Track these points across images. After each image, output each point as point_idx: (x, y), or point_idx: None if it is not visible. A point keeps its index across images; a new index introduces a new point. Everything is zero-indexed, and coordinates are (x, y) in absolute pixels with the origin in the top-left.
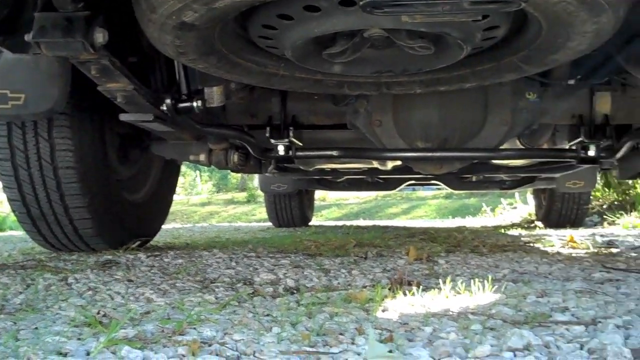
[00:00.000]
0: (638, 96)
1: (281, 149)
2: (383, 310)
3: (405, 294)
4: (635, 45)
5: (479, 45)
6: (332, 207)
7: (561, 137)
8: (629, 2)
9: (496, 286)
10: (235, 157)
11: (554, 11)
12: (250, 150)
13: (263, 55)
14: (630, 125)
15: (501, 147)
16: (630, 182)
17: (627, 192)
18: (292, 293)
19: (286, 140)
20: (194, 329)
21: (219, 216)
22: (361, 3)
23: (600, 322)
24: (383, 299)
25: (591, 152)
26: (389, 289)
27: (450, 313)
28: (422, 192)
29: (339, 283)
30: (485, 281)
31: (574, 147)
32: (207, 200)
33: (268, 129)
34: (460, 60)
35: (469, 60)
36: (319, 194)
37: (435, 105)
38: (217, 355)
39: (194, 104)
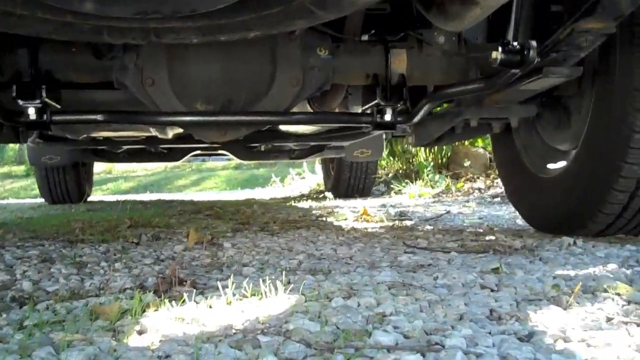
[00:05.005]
0: (434, 54)
1: (32, 112)
2: (140, 333)
3: (174, 302)
4: None
5: None
6: (119, 179)
7: (354, 101)
8: None
9: (292, 284)
10: None
11: None
12: None
13: None
14: (425, 87)
15: (292, 111)
16: (413, 150)
17: (410, 161)
18: (21, 306)
19: (38, 101)
20: None
21: None
22: None
23: (438, 344)
24: (143, 312)
25: (387, 117)
26: (154, 292)
27: (233, 332)
28: (212, 163)
29: (92, 284)
30: (278, 280)
31: (369, 112)
32: None
33: (15, 87)
34: (244, 2)
35: (253, 3)
36: (105, 165)
37: (217, 60)
38: None
39: None
